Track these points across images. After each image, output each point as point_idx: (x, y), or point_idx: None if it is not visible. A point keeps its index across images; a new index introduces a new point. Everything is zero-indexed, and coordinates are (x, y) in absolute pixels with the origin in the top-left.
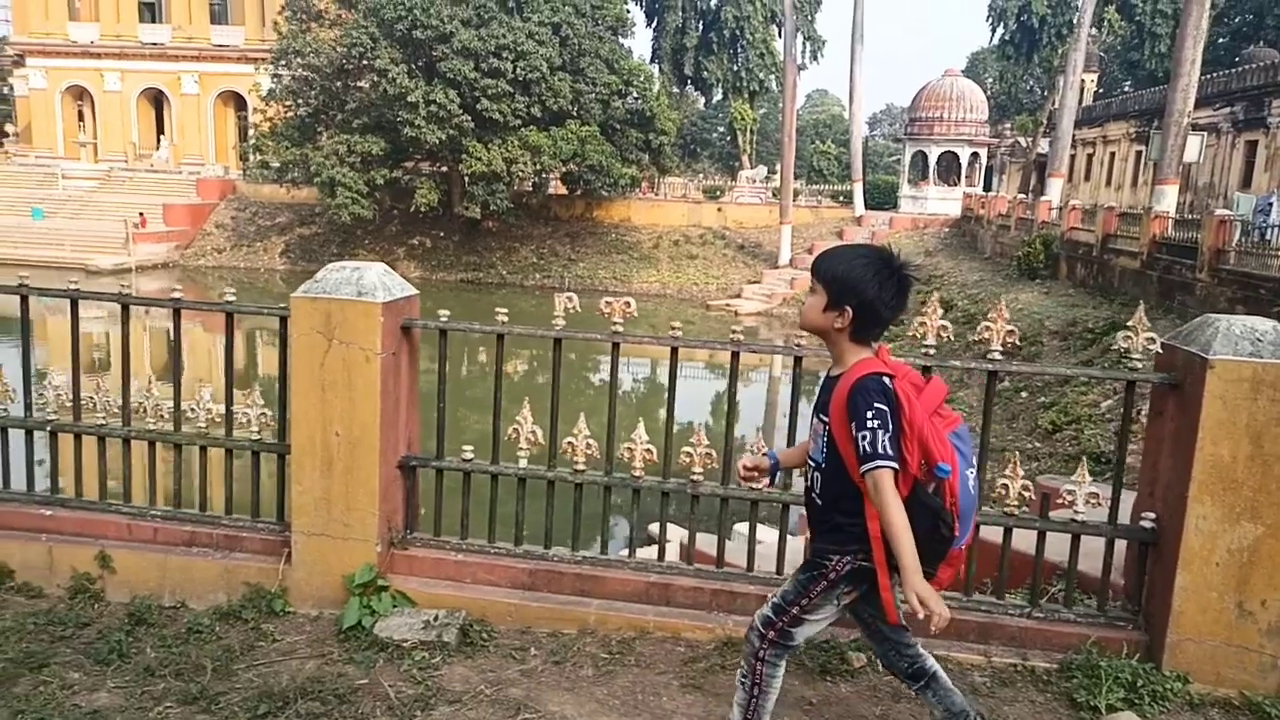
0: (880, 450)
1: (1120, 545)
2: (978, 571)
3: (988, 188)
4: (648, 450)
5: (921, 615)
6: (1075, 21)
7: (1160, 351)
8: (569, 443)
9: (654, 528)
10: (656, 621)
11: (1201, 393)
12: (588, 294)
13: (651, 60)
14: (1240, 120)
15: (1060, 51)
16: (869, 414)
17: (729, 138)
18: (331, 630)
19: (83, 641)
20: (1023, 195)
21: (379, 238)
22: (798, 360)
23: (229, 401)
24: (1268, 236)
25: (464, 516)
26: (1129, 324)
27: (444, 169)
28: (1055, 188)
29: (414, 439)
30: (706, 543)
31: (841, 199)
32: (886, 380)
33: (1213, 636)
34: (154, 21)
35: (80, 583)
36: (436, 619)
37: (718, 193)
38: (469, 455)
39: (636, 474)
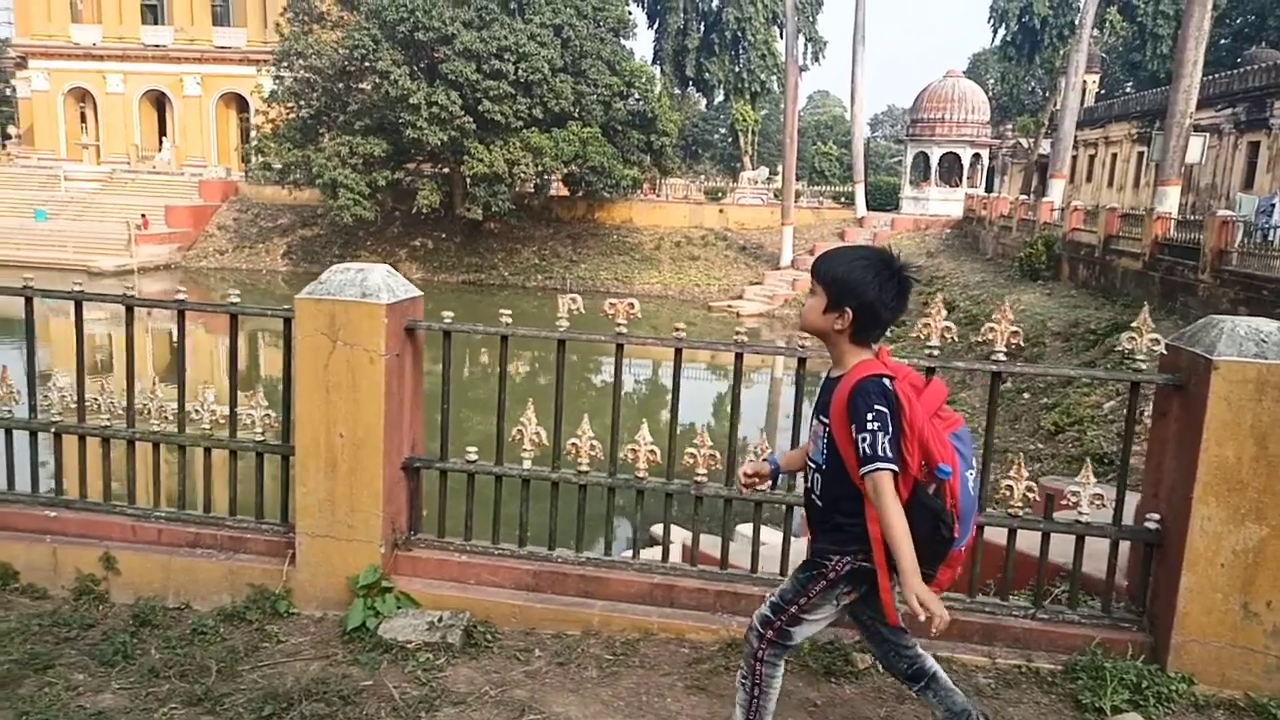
0: (880, 452)
1: (1125, 546)
2: (982, 573)
3: (989, 189)
4: (651, 451)
5: (922, 617)
6: (1077, 22)
7: (1164, 353)
8: (573, 444)
9: (657, 529)
10: (660, 623)
11: (1206, 394)
12: (589, 295)
13: (653, 62)
14: (1242, 121)
15: (1062, 52)
16: (869, 416)
17: (730, 139)
18: (336, 631)
19: (87, 643)
20: (1024, 196)
21: (381, 239)
22: (801, 361)
23: (233, 403)
24: (1270, 237)
25: (468, 518)
26: (1133, 325)
27: (446, 170)
28: (1057, 189)
29: (418, 440)
30: (710, 544)
31: (843, 200)
32: (887, 382)
33: (1218, 638)
34: (156, 23)
35: (85, 584)
36: (441, 620)
37: (719, 194)
38: (473, 456)
39: (640, 475)
